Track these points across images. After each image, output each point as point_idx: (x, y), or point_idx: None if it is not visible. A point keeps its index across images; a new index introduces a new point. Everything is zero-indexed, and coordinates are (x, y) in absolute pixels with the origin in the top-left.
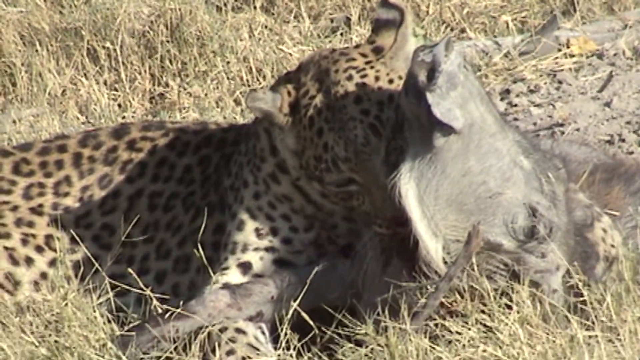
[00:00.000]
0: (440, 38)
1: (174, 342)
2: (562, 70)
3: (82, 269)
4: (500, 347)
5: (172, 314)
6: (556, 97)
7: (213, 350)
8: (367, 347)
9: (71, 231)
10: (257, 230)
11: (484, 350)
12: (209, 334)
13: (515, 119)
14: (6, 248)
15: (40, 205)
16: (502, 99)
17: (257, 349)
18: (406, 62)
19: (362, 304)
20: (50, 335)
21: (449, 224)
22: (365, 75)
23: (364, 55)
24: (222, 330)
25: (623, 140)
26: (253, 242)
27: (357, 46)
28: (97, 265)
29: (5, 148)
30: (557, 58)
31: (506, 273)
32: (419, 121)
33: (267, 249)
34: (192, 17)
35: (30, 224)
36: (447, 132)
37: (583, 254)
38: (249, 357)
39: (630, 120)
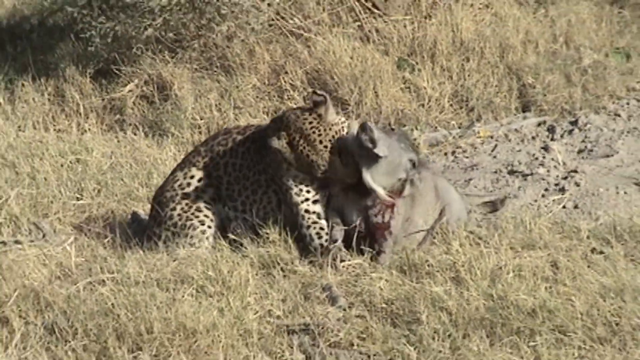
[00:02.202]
0: (358, 123)
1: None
2: (476, 143)
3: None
4: (454, 254)
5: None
6: (473, 154)
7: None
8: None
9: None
10: (299, 191)
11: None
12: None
13: (457, 163)
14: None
15: None
16: (451, 157)
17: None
18: (331, 117)
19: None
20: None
21: (384, 182)
22: (320, 129)
23: (315, 118)
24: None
25: (502, 172)
26: (301, 197)
27: (310, 113)
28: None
29: None
30: (473, 138)
31: (409, 181)
32: (368, 155)
33: (307, 199)
34: None
35: None
36: (383, 157)
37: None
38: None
39: (504, 164)
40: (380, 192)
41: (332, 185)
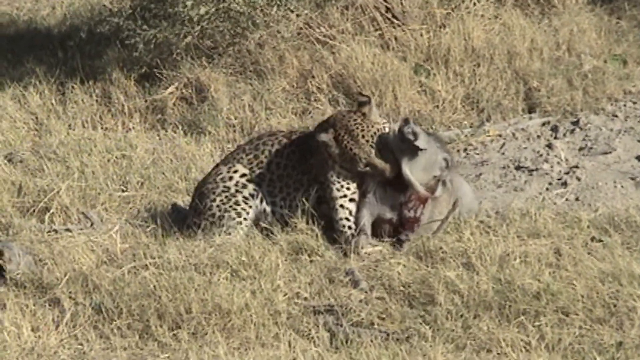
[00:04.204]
0: (401, 118)
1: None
2: (486, 141)
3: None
4: (465, 242)
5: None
6: (483, 151)
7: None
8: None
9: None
10: (340, 187)
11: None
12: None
13: (469, 159)
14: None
15: None
16: (463, 154)
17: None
18: (374, 116)
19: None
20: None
21: (421, 177)
22: (363, 125)
23: (360, 117)
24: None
25: (509, 167)
26: (340, 193)
27: (355, 112)
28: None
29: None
30: (483, 137)
31: (441, 182)
32: (409, 149)
33: (345, 195)
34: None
35: None
36: (422, 150)
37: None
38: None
39: (511, 159)
40: (417, 185)
41: (368, 181)
